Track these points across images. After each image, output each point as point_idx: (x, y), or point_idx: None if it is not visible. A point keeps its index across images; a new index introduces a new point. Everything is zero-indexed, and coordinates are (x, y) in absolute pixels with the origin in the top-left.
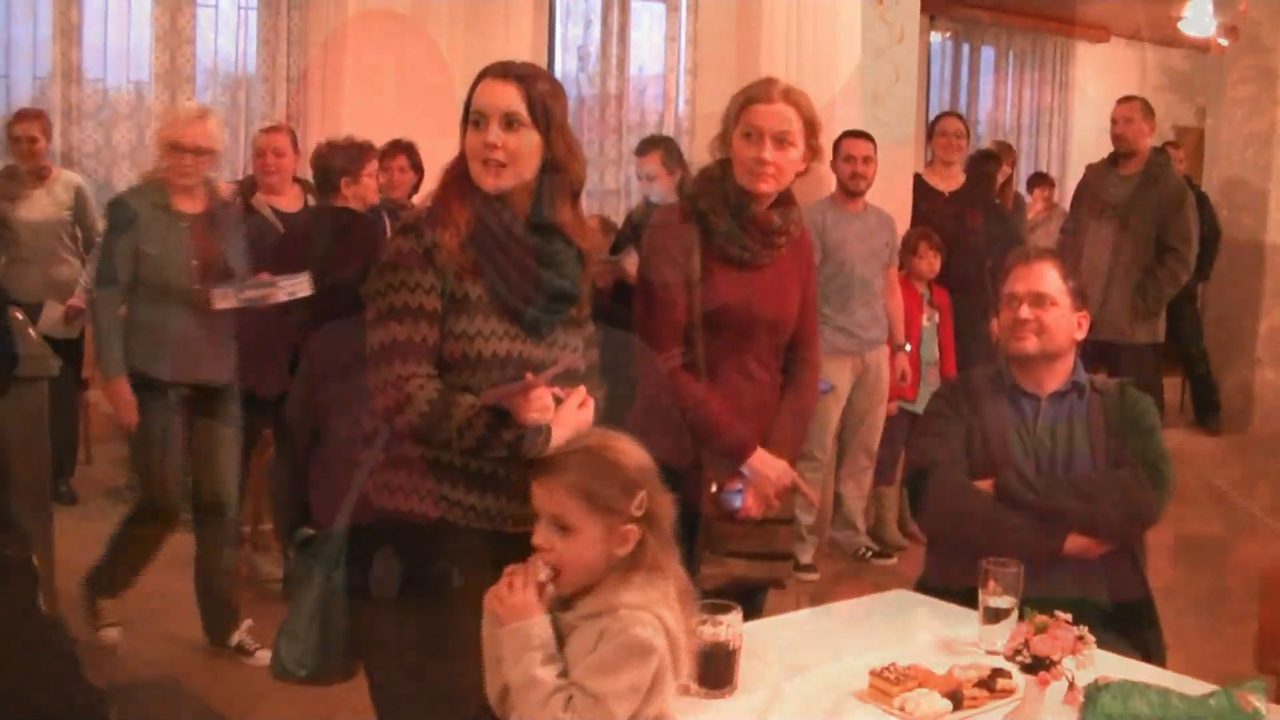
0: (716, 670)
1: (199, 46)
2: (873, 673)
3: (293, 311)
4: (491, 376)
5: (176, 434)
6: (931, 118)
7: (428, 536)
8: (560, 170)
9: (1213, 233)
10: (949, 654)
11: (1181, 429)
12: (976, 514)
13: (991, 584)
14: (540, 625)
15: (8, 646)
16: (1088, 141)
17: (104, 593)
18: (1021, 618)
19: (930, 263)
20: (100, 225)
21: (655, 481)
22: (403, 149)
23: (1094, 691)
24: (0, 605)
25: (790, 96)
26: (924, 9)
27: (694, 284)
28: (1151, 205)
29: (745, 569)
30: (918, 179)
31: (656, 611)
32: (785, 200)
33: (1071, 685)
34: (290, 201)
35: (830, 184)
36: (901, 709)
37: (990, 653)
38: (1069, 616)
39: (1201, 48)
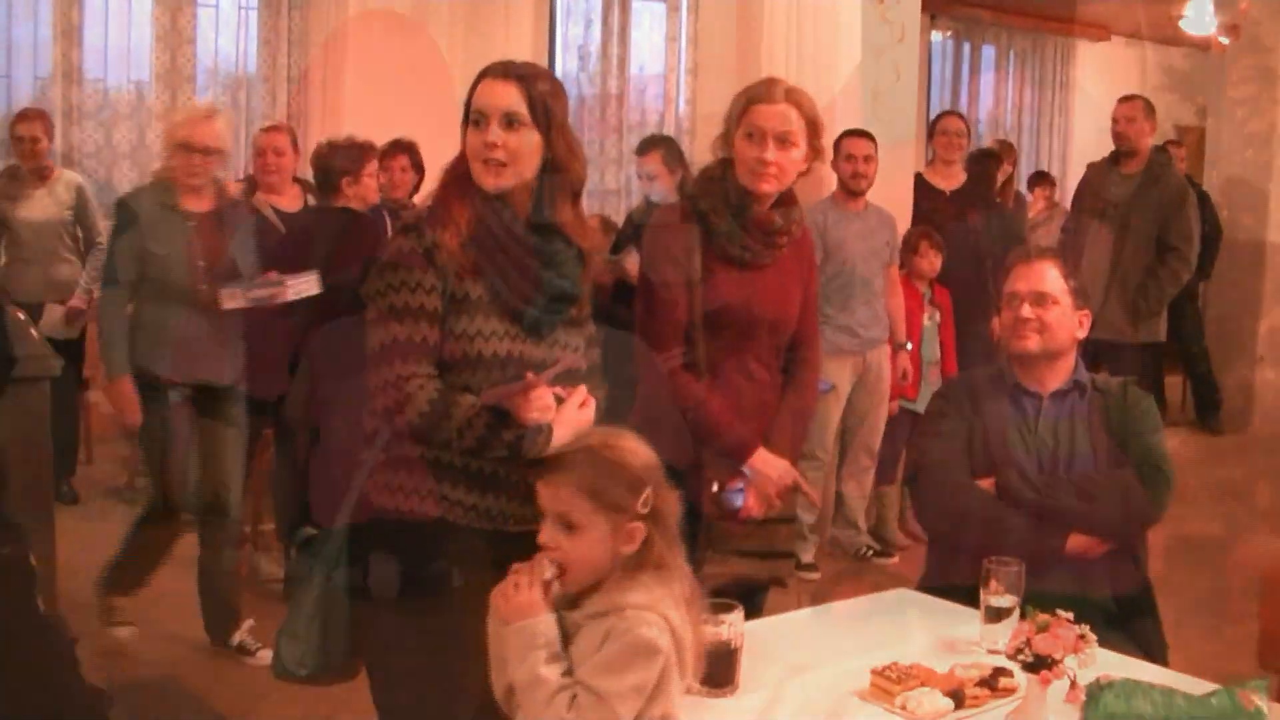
0: (718, 669)
1: (199, 46)
2: (874, 672)
3: (293, 312)
4: (492, 376)
5: (185, 433)
6: (932, 117)
7: (428, 536)
8: (561, 170)
9: (1214, 232)
10: (951, 653)
11: (1183, 428)
12: (978, 513)
13: (993, 583)
14: (545, 624)
15: (6, 646)
16: (1088, 141)
17: (117, 591)
18: (1023, 616)
19: (931, 262)
20: (101, 225)
21: (661, 479)
22: (404, 149)
23: (1096, 690)
24: None
25: (793, 97)
26: (924, 8)
27: (695, 284)
28: (1153, 204)
29: (746, 568)
30: (918, 178)
31: (663, 611)
32: (787, 200)
33: (1073, 684)
34: (290, 201)
35: (831, 183)
36: (903, 708)
37: (992, 651)
38: (1071, 615)
39: (1202, 46)
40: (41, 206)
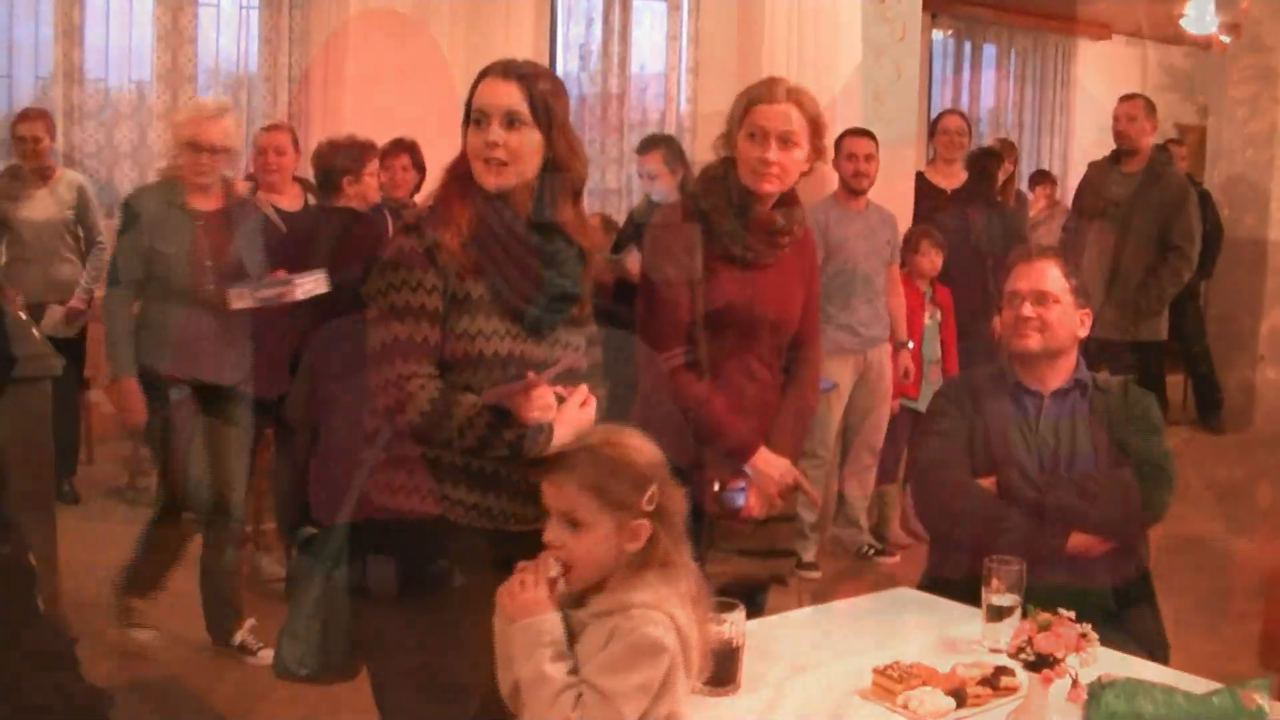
0: (720, 668)
1: (200, 46)
2: (876, 671)
3: (295, 311)
4: (493, 376)
5: (190, 433)
6: (933, 116)
7: (429, 535)
8: (562, 169)
9: (1215, 231)
10: (952, 652)
11: (1184, 427)
12: (979, 512)
13: (995, 582)
14: (551, 622)
15: (5, 646)
16: (1089, 140)
17: (134, 593)
18: (1025, 615)
19: (932, 261)
20: (102, 225)
21: (666, 476)
22: (405, 148)
23: (1097, 689)
24: None
25: (795, 96)
26: (925, 7)
27: (697, 283)
28: (1154, 203)
29: (747, 566)
30: (919, 177)
31: (668, 610)
32: (789, 200)
33: (1075, 683)
34: (290, 200)
35: (832, 182)
36: (905, 707)
37: (994, 650)
38: (1072, 614)
39: (1203, 45)
40: (43, 206)
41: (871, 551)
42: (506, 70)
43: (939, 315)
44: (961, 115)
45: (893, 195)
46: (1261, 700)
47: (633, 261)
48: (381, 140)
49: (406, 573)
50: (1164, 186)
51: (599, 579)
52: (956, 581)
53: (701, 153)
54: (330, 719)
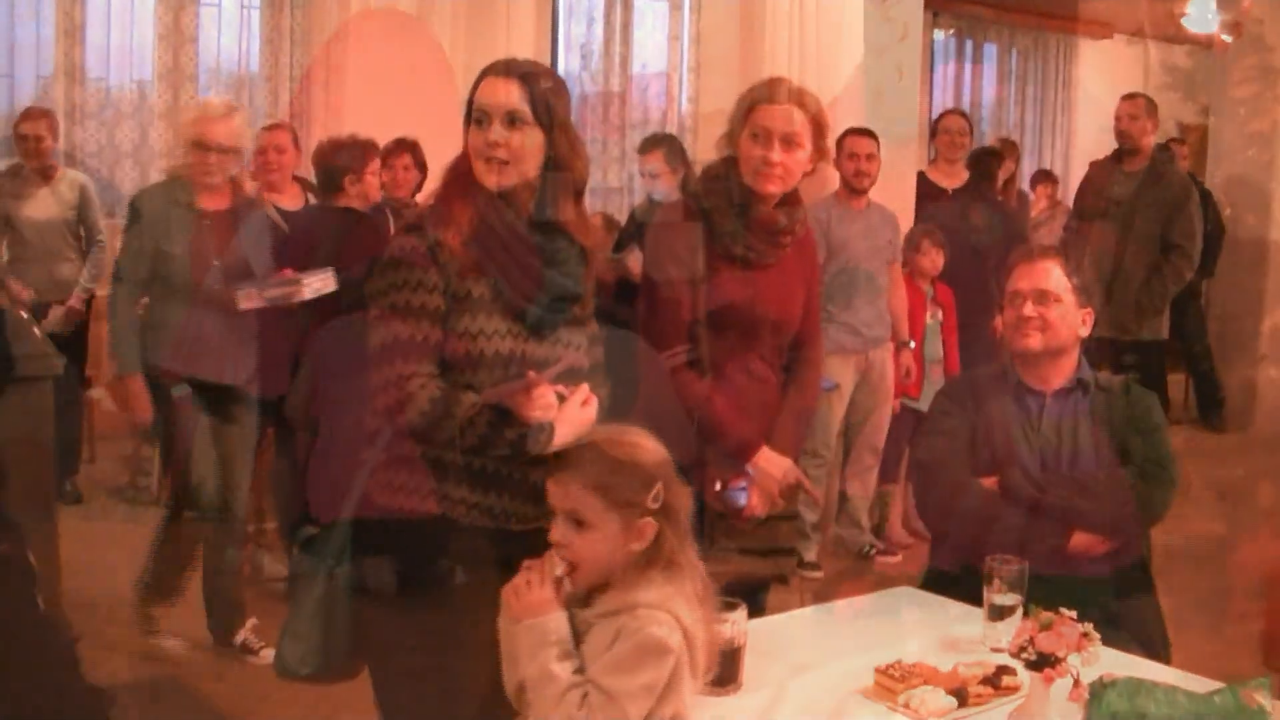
0: (722, 668)
1: (202, 45)
2: (878, 670)
3: (296, 311)
4: (494, 375)
5: (198, 431)
6: (935, 115)
7: (430, 535)
8: (563, 168)
9: (1217, 230)
10: (954, 651)
11: (1185, 426)
12: (981, 511)
13: (996, 581)
14: (556, 621)
15: (5, 644)
16: (1091, 139)
17: (154, 600)
18: (1026, 615)
19: (933, 260)
20: (102, 225)
21: (671, 474)
22: (407, 147)
23: (1099, 689)
24: None
25: (798, 97)
26: (926, 6)
27: (698, 283)
28: (1155, 202)
29: (748, 565)
30: (921, 176)
31: (674, 610)
32: (790, 199)
33: (1076, 682)
34: (290, 200)
35: (834, 182)
36: (906, 706)
37: (995, 650)
38: (1074, 613)
39: (1205, 44)
40: (45, 206)
41: (873, 551)
42: (508, 69)
43: (940, 315)
44: (963, 115)
45: (894, 195)
46: (1263, 699)
47: (634, 261)
48: (383, 139)
49: (408, 572)
50: (1165, 185)
51: (605, 578)
52: (958, 581)
53: (703, 152)
54: (331, 719)
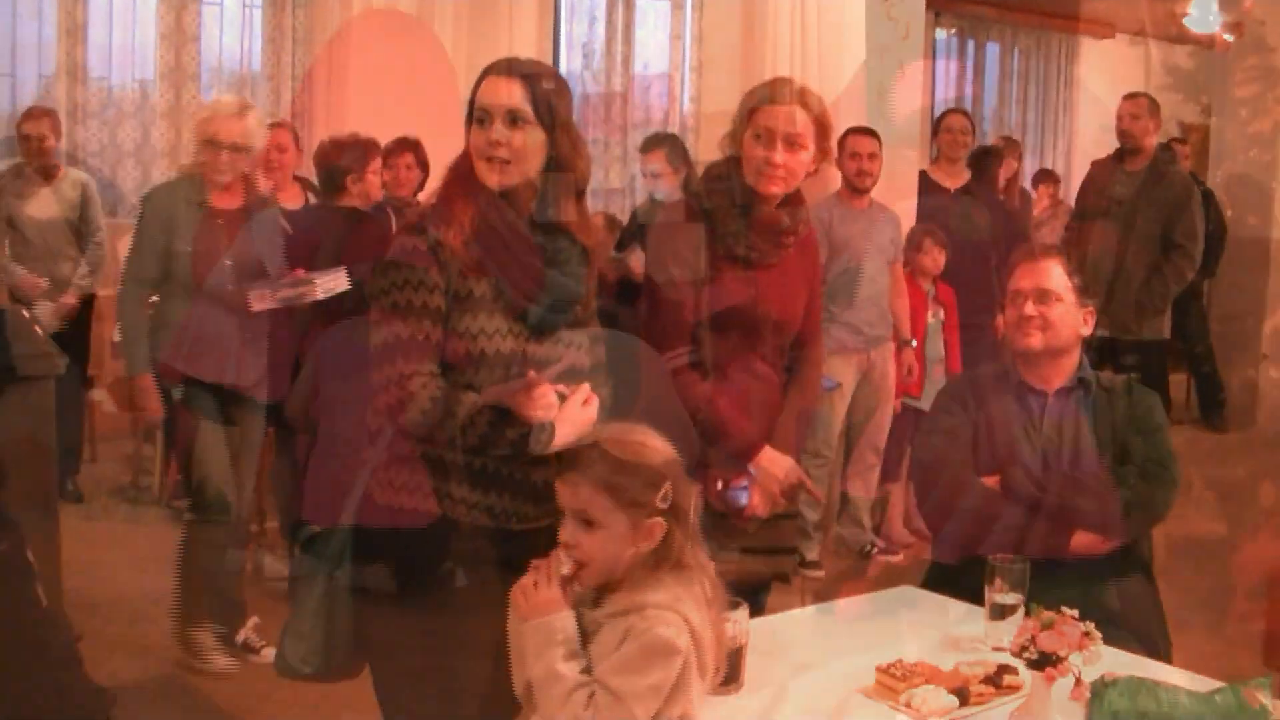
0: (723, 667)
1: (204, 44)
2: (879, 669)
3: (297, 311)
4: (495, 374)
5: (208, 431)
6: (936, 114)
7: (431, 534)
8: (565, 168)
9: (1219, 229)
10: (955, 650)
11: (1187, 426)
12: (982, 510)
13: (998, 580)
14: (564, 620)
15: (6, 642)
16: (1093, 138)
17: (193, 621)
18: (1028, 614)
19: (935, 259)
20: (103, 223)
21: (679, 474)
22: (409, 146)
23: (1100, 688)
24: None
25: (801, 98)
26: (929, 5)
27: (700, 283)
28: (1157, 201)
29: (750, 564)
30: (923, 175)
31: (682, 611)
32: (793, 199)
33: (1078, 681)
34: (291, 199)
35: (835, 181)
36: (908, 705)
37: (996, 649)
38: (1075, 612)
39: (1206, 44)
40: (47, 205)
41: (875, 550)
42: (510, 69)
43: (942, 314)
44: (965, 114)
45: (896, 194)
46: (1264, 699)
47: (636, 260)
48: (385, 139)
49: (409, 571)
50: (1167, 185)
51: (613, 578)
52: (959, 580)
53: (705, 152)
54: (333, 718)
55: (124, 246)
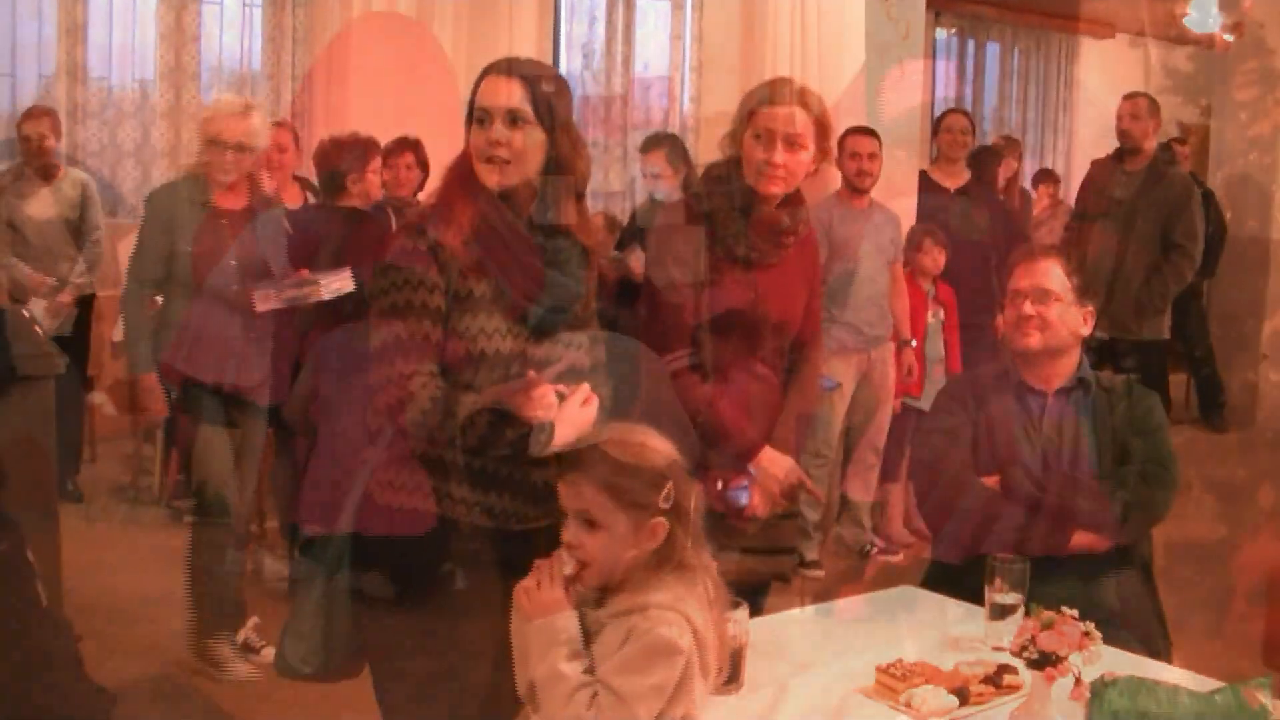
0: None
1: (204, 44)
2: (879, 669)
3: (297, 313)
4: (495, 375)
5: (215, 433)
6: (936, 114)
7: (431, 536)
8: (565, 168)
9: (1218, 229)
10: (955, 650)
11: (1187, 426)
12: (982, 510)
13: (998, 580)
14: (567, 620)
15: (7, 642)
16: (1092, 138)
17: (210, 634)
18: (1028, 614)
19: (935, 259)
20: (100, 222)
21: (681, 474)
22: (409, 146)
23: (1100, 688)
24: None
25: (801, 98)
26: (929, 5)
27: (701, 285)
28: (1157, 201)
29: (749, 564)
30: (923, 175)
31: (685, 611)
32: (793, 199)
33: (1078, 681)
34: (290, 199)
35: (835, 181)
36: (908, 705)
37: (996, 649)
38: (1075, 612)
39: (1206, 44)
40: (47, 205)
41: (875, 550)
42: (509, 69)
43: (942, 314)
44: (965, 114)
45: (896, 194)
46: (1265, 699)
47: (636, 260)
48: (384, 139)
49: (408, 572)
50: (1167, 185)
51: (616, 578)
52: (959, 580)
53: (705, 152)
54: (332, 718)
55: (124, 246)
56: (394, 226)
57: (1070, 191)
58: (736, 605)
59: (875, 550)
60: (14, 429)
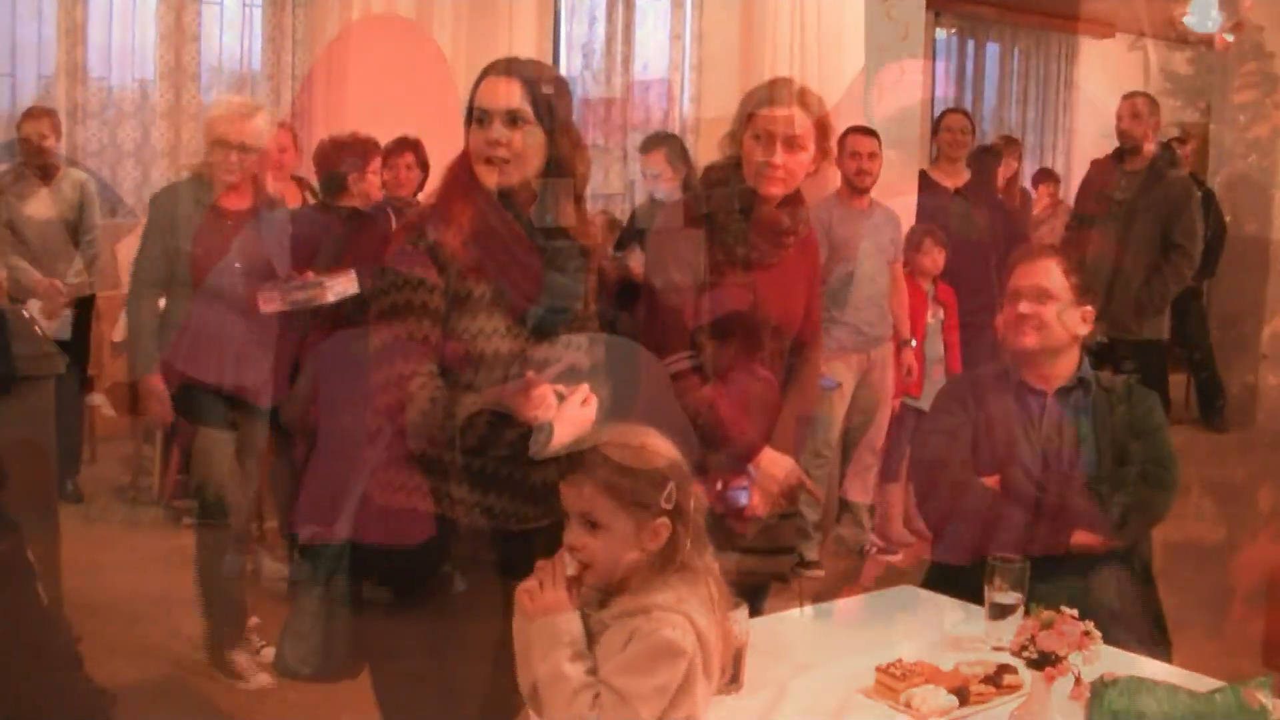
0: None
1: (204, 44)
2: (879, 669)
3: (298, 316)
4: (495, 375)
5: (220, 435)
6: (936, 114)
7: (430, 535)
8: (564, 168)
9: (1219, 229)
10: (955, 650)
11: (1186, 426)
12: (982, 510)
13: (997, 580)
14: (569, 621)
15: (7, 641)
16: (1092, 138)
17: (229, 644)
18: (1028, 613)
19: (935, 259)
20: (98, 222)
21: (684, 474)
22: (409, 146)
23: (1100, 687)
24: None
25: (802, 99)
26: (928, 5)
27: (700, 287)
28: (1157, 201)
29: (748, 563)
30: (923, 175)
31: (688, 613)
32: (793, 200)
33: (1078, 681)
34: (289, 199)
35: (835, 181)
36: (908, 705)
37: (996, 648)
38: (1075, 612)
39: (1206, 43)
40: (46, 205)
41: (874, 550)
42: (509, 69)
43: (941, 314)
44: (964, 113)
45: (895, 193)
46: (1264, 699)
47: (635, 261)
48: (384, 139)
49: (407, 573)
50: (1166, 185)
51: (619, 579)
52: (959, 579)
53: (705, 152)
54: (332, 719)
55: (124, 247)
56: (394, 227)
57: (1070, 191)
58: (736, 605)
59: (875, 551)
60: (14, 429)
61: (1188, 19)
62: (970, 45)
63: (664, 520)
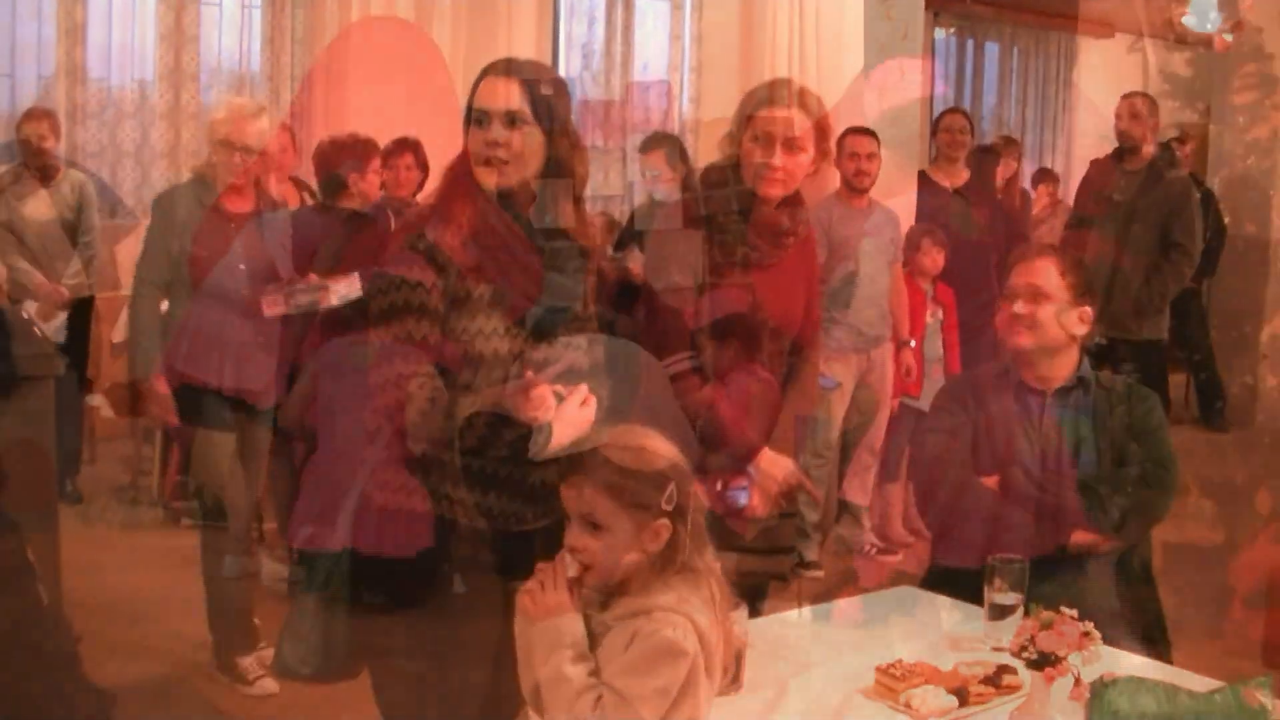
0: None
1: (203, 45)
2: (878, 669)
3: (297, 318)
4: (494, 375)
5: (221, 437)
6: (935, 114)
7: (429, 536)
8: (563, 169)
9: (1218, 229)
10: (955, 650)
11: (1186, 426)
12: (982, 510)
13: (997, 580)
14: (571, 623)
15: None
16: (1091, 138)
17: (238, 650)
18: (1027, 614)
19: (934, 259)
20: (97, 222)
21: (684, 475)
22: (409, 147)
23: (1100, 688)
24: None
25: (801, 100)
26: (927, 5)
27: (700, 288)
28: (1156, 201)
29: (748, 564)
30: (922, 175)
31: (690, 614)
32: (792, 200)
33: (1077, 681)
34: (288, 200)
35: (834, 181)
36: (907, 705)
37: (996, 649)
38: (1075, 612)
39: (1206, 45)
40: (45, 206)
41: (874, 550)
42: (508, 69)
43: (940, 314)
44: (964, 113)
45: (895, 193)
46: (1264, 699)
47: (634, 262)
48: (384, 140)
49: (406, 573)
50: (1166, 185)
51: (621, 580)
52: (959, 580)
53: (705, 153)
54: (332, 719)
55: (123, 248)
56: (393, 227)
57: (1069, 191)
58: (735, 606)
59: (875, 551)
60: (13, 430)
61: (1187, 19)
62: (969, 45)
63: (665, 521)
